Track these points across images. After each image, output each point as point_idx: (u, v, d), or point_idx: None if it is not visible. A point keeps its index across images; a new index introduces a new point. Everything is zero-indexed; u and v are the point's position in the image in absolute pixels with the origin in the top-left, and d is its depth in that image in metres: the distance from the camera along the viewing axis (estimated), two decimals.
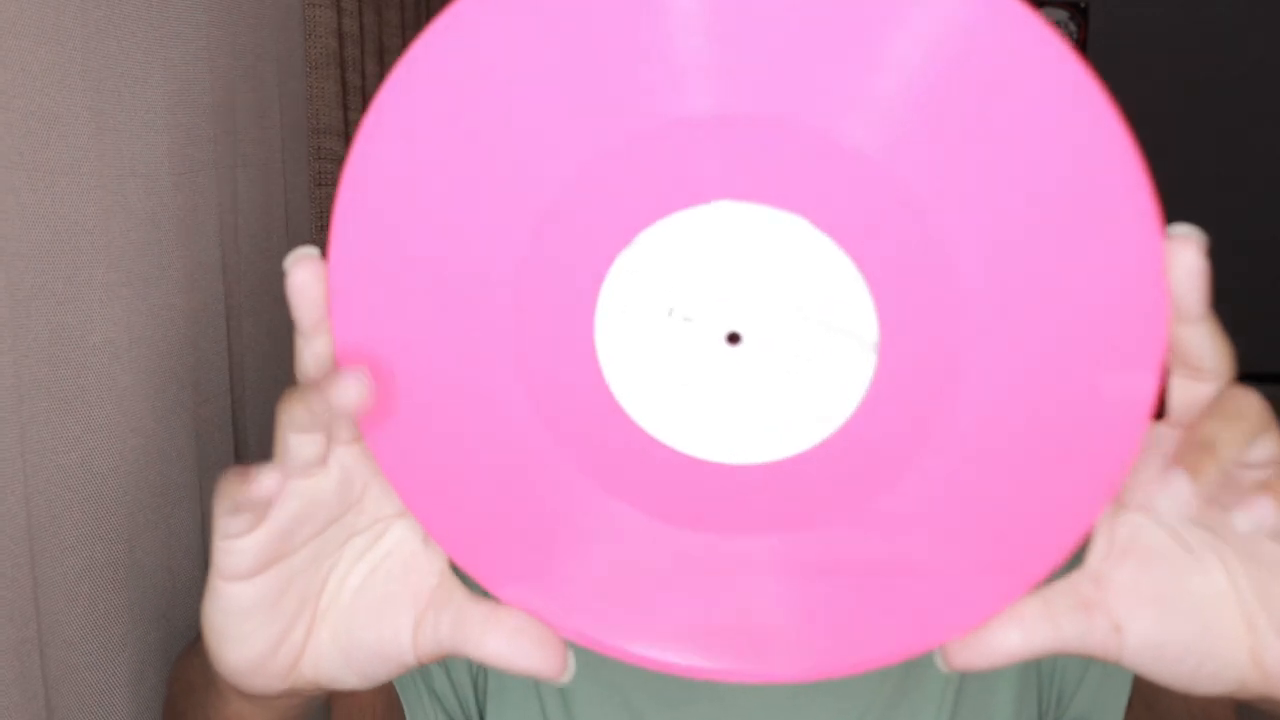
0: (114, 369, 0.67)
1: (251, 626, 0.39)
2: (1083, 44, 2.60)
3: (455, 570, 0.42)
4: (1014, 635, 0.40)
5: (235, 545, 0.38)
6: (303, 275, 0.38)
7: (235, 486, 0.37)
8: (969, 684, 0.68)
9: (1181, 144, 2.50)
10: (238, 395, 0.82)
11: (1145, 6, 2.56)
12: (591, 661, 0.64)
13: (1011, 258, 0.36)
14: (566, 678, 0.41)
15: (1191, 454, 0.35)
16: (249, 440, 0.84)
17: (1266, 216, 2.54)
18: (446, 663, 0.66)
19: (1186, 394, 0.38)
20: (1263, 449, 0.34)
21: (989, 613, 0.39)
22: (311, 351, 0.39)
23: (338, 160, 0.98)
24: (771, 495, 0.40)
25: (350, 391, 0.37)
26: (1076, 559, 0.41)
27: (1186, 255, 0.36)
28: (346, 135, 1.00)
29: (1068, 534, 0.38)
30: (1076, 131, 0.35)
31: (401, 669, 0.41)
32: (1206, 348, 0.37)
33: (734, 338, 0.39)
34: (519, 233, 0.38)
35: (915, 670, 0.67)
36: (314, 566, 0.40)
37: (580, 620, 0.41)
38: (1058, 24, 2.60)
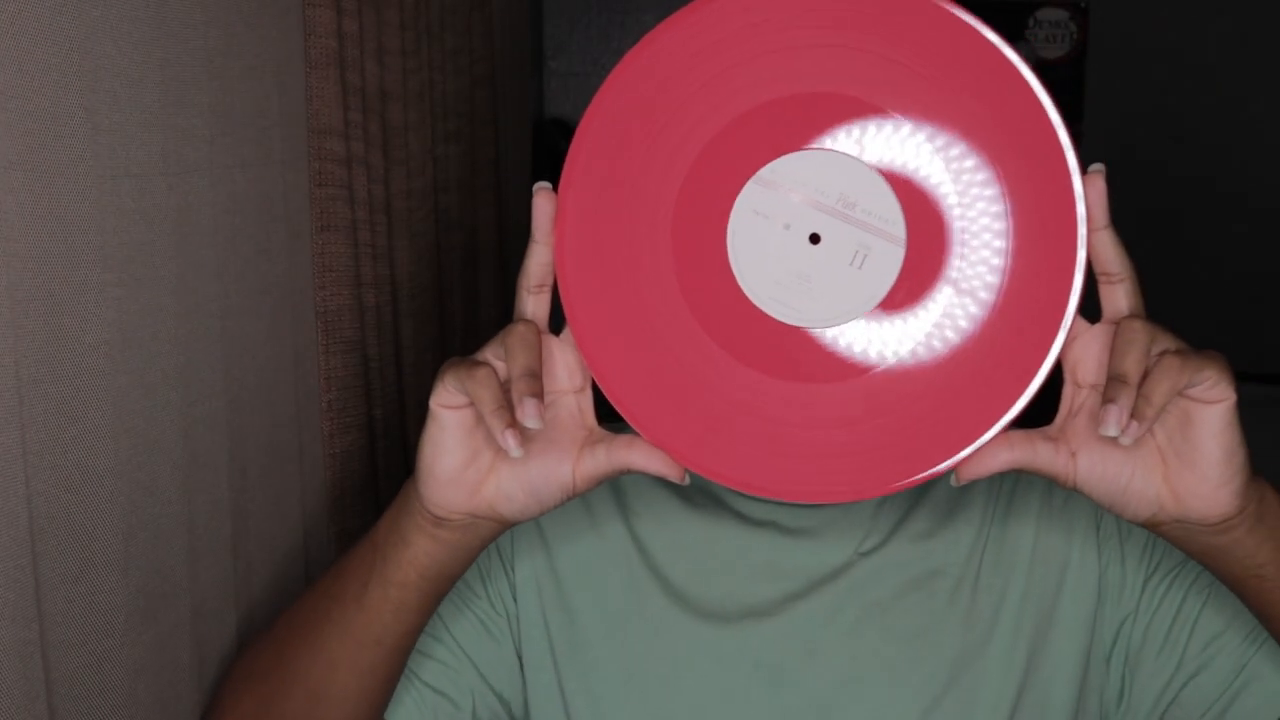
0: (108, 370, 0.67)
1: (455, 442, 0.60)
2: (1083, 44, 2.59)
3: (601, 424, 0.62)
4: (1004, 453, 0.58)
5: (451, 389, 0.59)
6: (541, 198, 0.60)
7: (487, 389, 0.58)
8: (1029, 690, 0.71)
9: (1182, 142, 2.50)
10: (234, 395, 0.82)
11: (1147, 5, 2.56)
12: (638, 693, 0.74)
13: (973, 192, 0.59)
14: (686, 481, 0.61)
15: (1111, 388, 0.55)
16: (246, 440, 0.84)
17: (1267, 214, 2.54)
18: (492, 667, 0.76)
19: (1108, 295, 0.59)
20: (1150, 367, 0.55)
21: (984, 438, 0.58)
22: (537, 254, 0.61)
23: (337, 160, 0.97)
24: (837, 353, 0.59)
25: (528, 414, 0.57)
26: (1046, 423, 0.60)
27: (1097, 182, 0.57)
28: (346, 135, 1.00)
29: (1025, 381, 0.58)
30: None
31: (563, 494, 0.61)
32: (1111, 250, 0.58)
33: (814, 238, 0.59)
34: (682, 166, 0.60)
35: (967, 673, 0.71)
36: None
37: (694, 451, 0.60)
38: (1057, 24, 2.60)
